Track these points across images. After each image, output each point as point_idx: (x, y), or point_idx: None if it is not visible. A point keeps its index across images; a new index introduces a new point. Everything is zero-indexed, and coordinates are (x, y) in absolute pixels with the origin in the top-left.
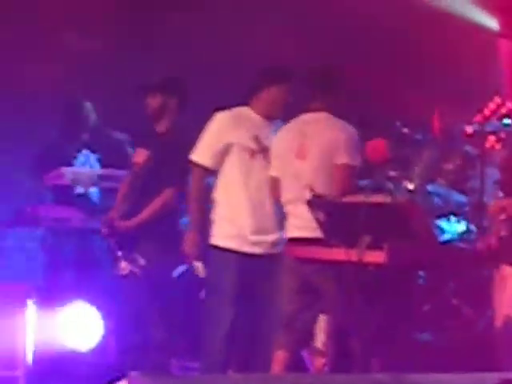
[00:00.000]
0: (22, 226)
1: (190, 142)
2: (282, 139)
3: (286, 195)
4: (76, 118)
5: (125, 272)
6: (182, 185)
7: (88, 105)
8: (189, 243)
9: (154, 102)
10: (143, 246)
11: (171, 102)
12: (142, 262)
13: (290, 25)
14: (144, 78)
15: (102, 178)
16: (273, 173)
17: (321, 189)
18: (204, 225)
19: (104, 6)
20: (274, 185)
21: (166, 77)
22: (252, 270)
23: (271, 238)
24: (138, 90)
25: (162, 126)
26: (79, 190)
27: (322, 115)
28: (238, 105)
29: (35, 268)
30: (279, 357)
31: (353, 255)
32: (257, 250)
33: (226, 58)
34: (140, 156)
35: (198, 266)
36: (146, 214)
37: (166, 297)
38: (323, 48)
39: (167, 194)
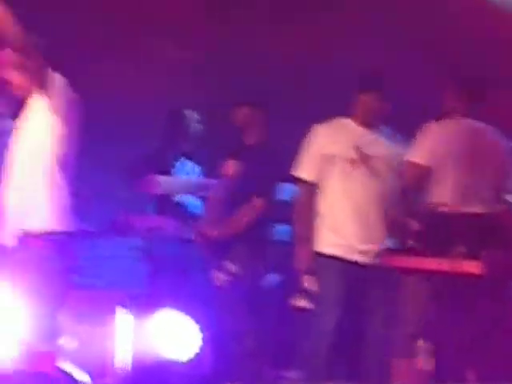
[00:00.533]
0: (115, 235)
1: (280, 153)
2: (441, 142)
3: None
4: (177, 126)
5: (220, 283)
6: (272, 195)
7: (190, 113)
8: (297, 259)
9: (241, 114)
10: (235, 253)
11: (258, 114)
12: (233, 269)
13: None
14: (233, 89)
15: (196, 187)
16: (422, 161)
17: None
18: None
19: (199, 15)
20: (419, 174)
21: (253, 89)
22: (357, 279)
23: (377, 247)
24: (227, 102)
25: (250, 138)
26: (177, 199)
27: (487, 127)
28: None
29: (128, 276)
30: (401, 366)
31: (446, 265)
32: (363, 259)
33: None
34: (230, 167)
35: (309, 279)
36: (237, 222)
37: (258, 303)
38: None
39: (257, 204)
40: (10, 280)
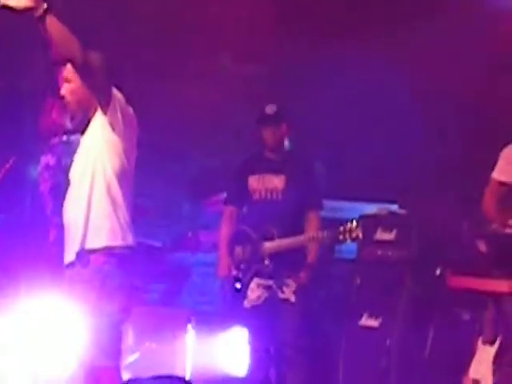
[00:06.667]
0: (182, 251)
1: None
2: None
3: None
4: None
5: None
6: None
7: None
8: None
9: None
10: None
11: None
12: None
13: None
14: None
15: None
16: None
17: None
18: None
19: (261, 30)
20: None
21: None
22: None
23: None
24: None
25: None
26: None
27: None
28: None
29: (195, 293)
30: None
31: None
32: None
33: None
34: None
35: None
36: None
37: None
38: None
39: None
40: (71, 297)
